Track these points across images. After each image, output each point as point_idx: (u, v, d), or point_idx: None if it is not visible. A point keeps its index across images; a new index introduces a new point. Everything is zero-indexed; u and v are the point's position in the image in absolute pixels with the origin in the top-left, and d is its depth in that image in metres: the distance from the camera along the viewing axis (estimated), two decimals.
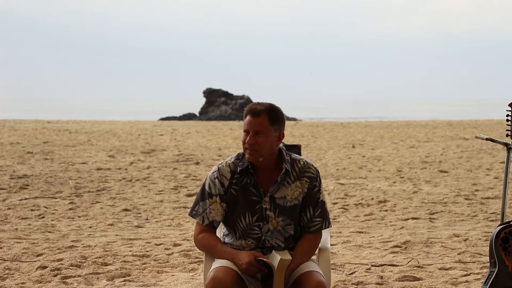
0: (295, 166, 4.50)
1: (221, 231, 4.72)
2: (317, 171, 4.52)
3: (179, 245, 8.25)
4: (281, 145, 4.53)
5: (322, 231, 4.61)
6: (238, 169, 4.47)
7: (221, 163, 4.53)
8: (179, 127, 33.13)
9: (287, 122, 44.42)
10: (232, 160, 4.54)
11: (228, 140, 25.53)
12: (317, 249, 4.73)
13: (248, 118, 4.42)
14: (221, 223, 4.59)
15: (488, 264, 5.09)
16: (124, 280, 6.66)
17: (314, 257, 4.87)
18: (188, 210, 5.07)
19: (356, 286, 6.52)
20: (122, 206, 11.11)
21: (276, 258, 4.31)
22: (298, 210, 4.48)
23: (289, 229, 4.48)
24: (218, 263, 4.40)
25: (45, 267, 7.01)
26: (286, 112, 54.96)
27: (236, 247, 4.50)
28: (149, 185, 13.50)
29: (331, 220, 4.84)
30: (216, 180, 4.48)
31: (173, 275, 6.86)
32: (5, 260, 7.35)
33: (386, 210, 10.88)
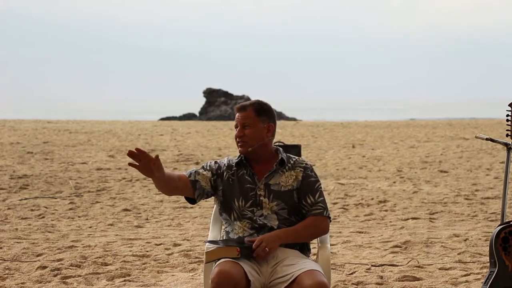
0: (290, 160, 4.71)
1: (222, 228, 4.83)
2: (312, 167, 4.70)
3: (179, 245, 8.25)
4: (278, 144, 4.71)
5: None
6: (234, 162, 4.69)
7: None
8: (179, 127, 33.13)
9: (287, 122, 43.98)
10: (233, 159, 4.76)
11: (228, 140, 25.53)
12: (317, 248, 4.73)
13: (236, 114, 4.69)
14: (219, 212, 4.73)
15: (488, 264, 5.09)
16: (124, 280, 6.66)
17: (313, 257, 4.88)
18: (188, 211, 5.11)
19: (356, 286, 6.52)
20: (122, 206, 11.11)
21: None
22: (293, 196, 4.62)
23: (283, 213, 4.60)
24: (222, 260, 4.45)
25: (45, 267, 7.01)
26: (287, 112, 54.94)
27: (235, 229, 4.62)
28: (149, 185, 13.50)
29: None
30: (213, 162, 4.74)
31: (173, 275, 6.86)
32: (5, 260, 7.35)
33: (386, 210, 10.88)
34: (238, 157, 4.71)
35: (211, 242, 4.60)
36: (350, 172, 15.82)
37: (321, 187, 4.65)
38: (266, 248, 4.42)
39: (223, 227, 4.79)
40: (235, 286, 4.28)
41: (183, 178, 4.64)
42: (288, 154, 4.78)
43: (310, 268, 4.40)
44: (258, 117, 4.63)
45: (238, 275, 4.32)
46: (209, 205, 10.82)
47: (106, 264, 7.27)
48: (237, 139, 4.64)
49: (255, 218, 4.59)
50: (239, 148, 4.65)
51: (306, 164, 4.68)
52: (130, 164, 4.42)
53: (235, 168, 4.68)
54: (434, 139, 25.82)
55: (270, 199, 4.58)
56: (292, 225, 4.61)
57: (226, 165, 4.70)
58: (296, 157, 4.76)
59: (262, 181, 4.61)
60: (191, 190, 4.63)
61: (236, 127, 4.66)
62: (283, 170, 4.63)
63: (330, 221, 4.67)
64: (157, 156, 4.45)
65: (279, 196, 4.58)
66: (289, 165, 4.65)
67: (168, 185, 4.56)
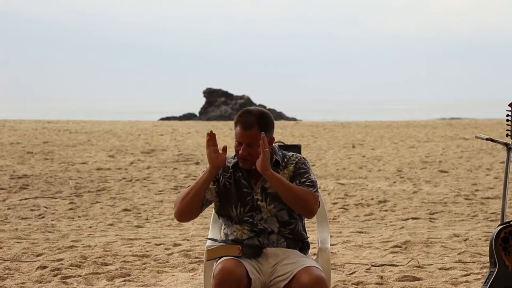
0: (285, 158, 4.65)
1: (221, 230, 4.81)
2: (305, 160, 4.62)
3: (179, 245, 8.25)
4: (279, 144, 4.66)
5: (322, 233, 4.73)
6: (231, 164, 4.65)
7: None
8: (179, 127, 33.12)
9: (287, 122, 43.93)
10: (228, 158, 4.71)
11: (228, 140, 25.52)
12: (316, 246, 4.73)
13: (239, 130, 4.56)
14: (217, 215, 4.69)
15: (488, 264, 5.09)
16: (124, 280, 6.66)
17: (314, 257, 4.88)
18: None
19: (356, 286, 6.52)
20: (122, 206, 11.11)
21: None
22: None
23: (283, 213, 4.56)
24: (224, 258, 4.45)
25: (45, 267, 7.01)
26: (287, 112, 54.93)
27: (234, 232, 4.61)
28: (149, 185, 13.50)
29: (330, 220, 4.86)
30: None
31: (173, 275, 6.87)
32: (5, 260, 7.35)
33: (386, 210, 10.88)
34: (234, 157, 4.66)
35: (212, 240, 4.62)
36: (350, 172, 15.82)
37: (310, 177, 4.55)
38: (266, 155, 4.39)
39: (222, 228, 4.79)
40: (237, 284, 4.29)
41: None
42: (284, 152, 4.71)
43: (308, 264, 4.42)
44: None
45: (241, 273, 4.33)
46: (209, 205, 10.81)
47: (106, 264, 7.27)
48: (240, 156, 4.54)
49: (255, 222, 4.57)
50: (241, 164, 4.57)
51: (299, 159, 4.62)
52: (207, 141, 4.59)
53: (231, 170, 4.64)
54: (434, 139, 25.82)
55: (267, 203, 4.55)
56: (292, 228, 4.60)
57: (222, 168, 4.64)
58: (291, 154, 4.70)
59: (258, 185, 4.57)
60: (201, 207, 4.63)
61: (239, 143, 4.54)
62: (277, 170, 4.58)
63: (319, 205, 4.53)
64: (224, 149, 4.55)
65: (276, 198, 4.54)
66: (283, 164, 4.61)
67: (202, 194, 4.56)
